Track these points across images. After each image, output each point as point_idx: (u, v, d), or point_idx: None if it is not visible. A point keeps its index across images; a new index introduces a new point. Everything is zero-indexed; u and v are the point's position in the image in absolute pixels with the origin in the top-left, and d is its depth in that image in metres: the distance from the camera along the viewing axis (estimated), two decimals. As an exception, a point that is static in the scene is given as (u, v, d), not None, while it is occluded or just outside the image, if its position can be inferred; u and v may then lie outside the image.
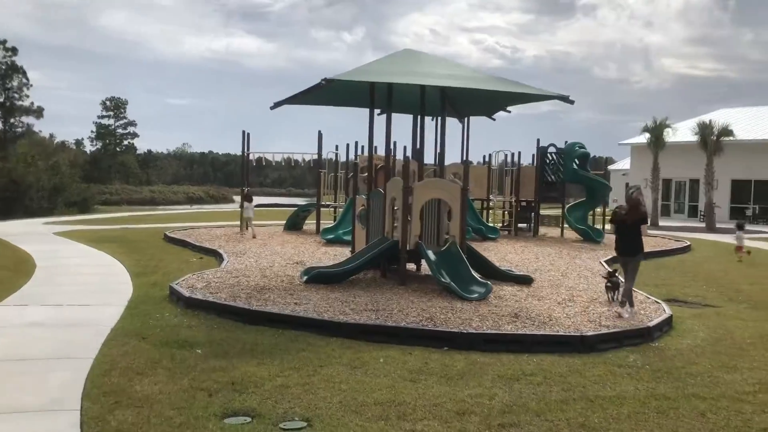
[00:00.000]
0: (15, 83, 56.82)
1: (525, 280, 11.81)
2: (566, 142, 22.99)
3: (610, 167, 60.24)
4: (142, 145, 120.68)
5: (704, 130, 31.67)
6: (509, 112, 24.80)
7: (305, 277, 11.11)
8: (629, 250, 8.93)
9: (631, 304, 8.94)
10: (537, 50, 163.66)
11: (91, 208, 41.08)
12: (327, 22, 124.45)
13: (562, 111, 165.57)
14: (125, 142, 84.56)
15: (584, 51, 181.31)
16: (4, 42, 56.09)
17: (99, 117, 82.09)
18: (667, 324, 9.08)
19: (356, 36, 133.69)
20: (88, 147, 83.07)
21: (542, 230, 23.87)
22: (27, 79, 57.08)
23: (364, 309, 8.84)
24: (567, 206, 22.95)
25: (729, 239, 25.54)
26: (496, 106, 13.86)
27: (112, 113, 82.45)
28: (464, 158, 22.93)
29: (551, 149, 23.16)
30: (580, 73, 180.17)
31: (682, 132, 34.90)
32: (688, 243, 21.69)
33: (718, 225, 30.55)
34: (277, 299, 9.51)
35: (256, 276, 11.82)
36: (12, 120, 57.54)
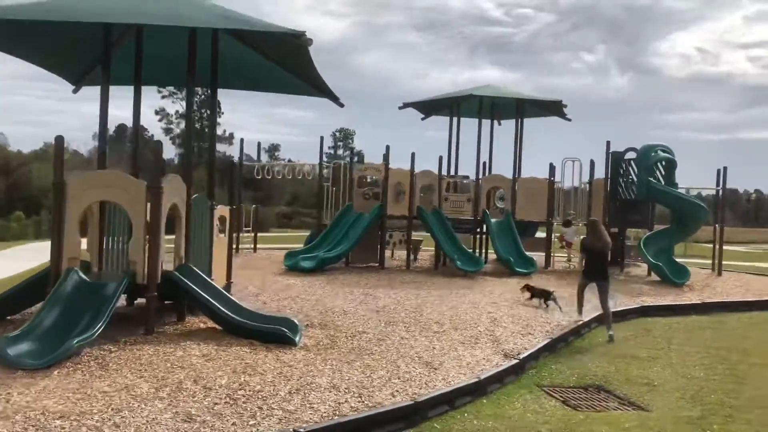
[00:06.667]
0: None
1: (281, 339, 7.09)
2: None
3: None
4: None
5: None
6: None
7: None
8: (598, 275, 9.61)
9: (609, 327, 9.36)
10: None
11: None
12: (571, 47, 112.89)
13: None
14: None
15: None
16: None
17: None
18: None
19: (601, 56, 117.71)
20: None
21: (630, 268, 17.29)
22: (219, 107, 60.49)
23: None
24: (646, 235, 16.20)
25: None
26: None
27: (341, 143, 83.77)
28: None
29: (630, 155, 16.69)
30: None
31: None
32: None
33: None
34: None
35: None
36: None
